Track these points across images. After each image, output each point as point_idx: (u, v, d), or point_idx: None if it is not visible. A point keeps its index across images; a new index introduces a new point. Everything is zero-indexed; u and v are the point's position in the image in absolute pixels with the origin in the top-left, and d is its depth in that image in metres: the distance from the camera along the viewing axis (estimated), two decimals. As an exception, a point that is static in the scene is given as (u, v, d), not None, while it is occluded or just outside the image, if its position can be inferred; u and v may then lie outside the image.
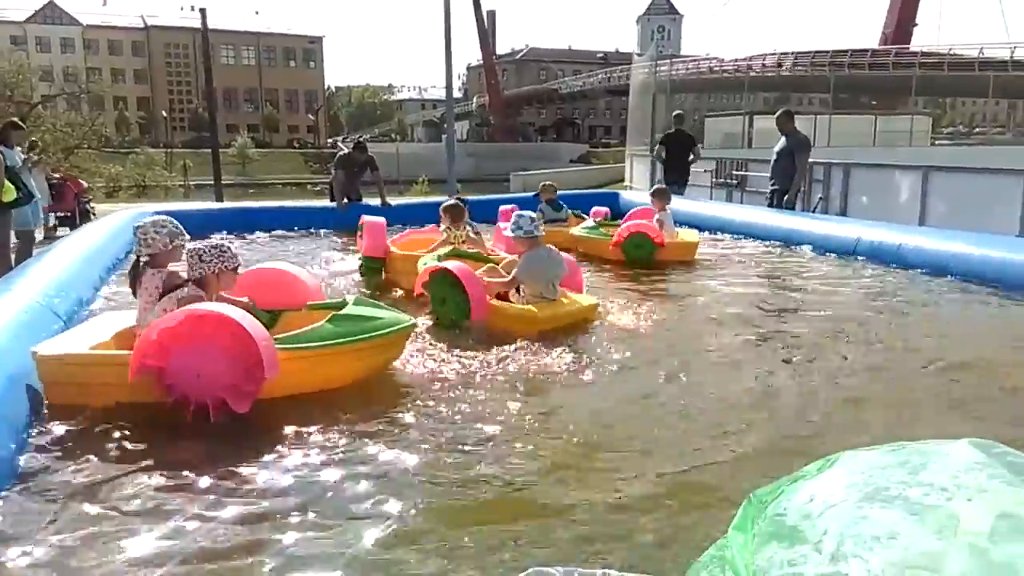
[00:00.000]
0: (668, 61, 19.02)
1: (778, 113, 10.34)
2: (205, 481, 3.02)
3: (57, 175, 14.31)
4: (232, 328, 3.59)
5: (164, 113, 69.05)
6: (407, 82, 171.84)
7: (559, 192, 10.10)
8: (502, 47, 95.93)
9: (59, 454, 3.31)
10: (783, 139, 10.02)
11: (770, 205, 10.31)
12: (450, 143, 13.78)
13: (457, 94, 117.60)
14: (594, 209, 10.44)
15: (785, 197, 9.99)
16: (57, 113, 37.25)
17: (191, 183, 39.92)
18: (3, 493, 2.93)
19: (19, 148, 8.32)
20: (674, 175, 11.77)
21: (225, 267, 4.11)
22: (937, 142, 31.76)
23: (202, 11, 14.23)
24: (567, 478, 3.11)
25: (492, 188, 34.58)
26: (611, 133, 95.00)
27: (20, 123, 8.75)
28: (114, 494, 2.95)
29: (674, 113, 12.91)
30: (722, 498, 2.89)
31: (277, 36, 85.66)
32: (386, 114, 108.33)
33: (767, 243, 9.32)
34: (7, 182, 6.38)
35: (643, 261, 7.89)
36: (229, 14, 79.78)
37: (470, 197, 12.17)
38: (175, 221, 4.29)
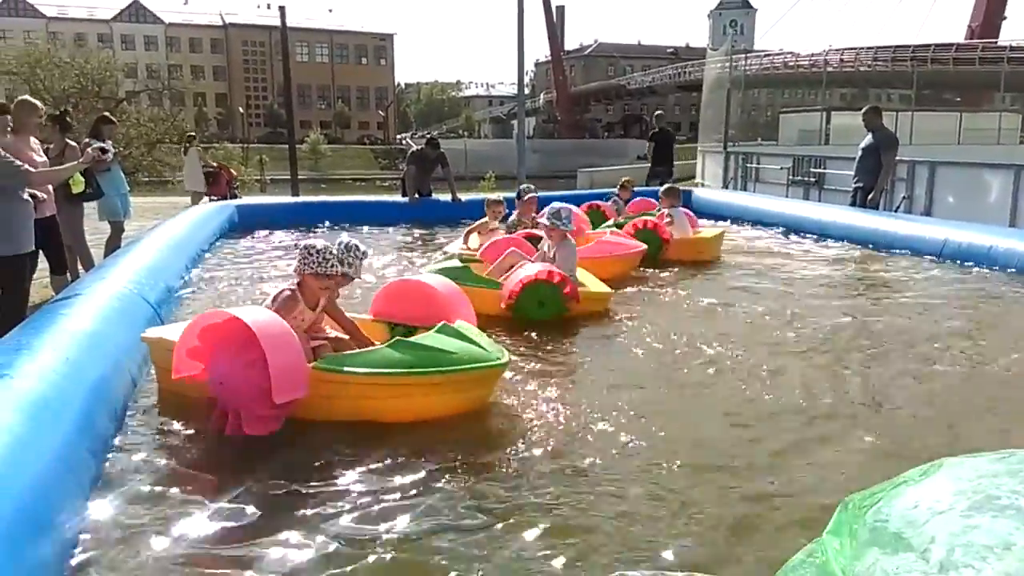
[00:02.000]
0: (743, 56, 18.60)
1: (865, 109, 9.99)
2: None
3: (214, 164, 15.91)
4: (254, 341, 3.32)
5: (241, 109, 71.11)
6: (475, 79, 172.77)
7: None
8: (571, 42, 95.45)
9: (151, 440, 3.46)
10: (869, 136, 9.68)
11: (852, 204, 9.99)
12: (521, 138, 13.79)
13: (524, 90, 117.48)
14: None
15: (869, 196, 9.66)
16: (141, 109, 38.75)
17: (267, 177, 40.90)
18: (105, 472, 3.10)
19: (111, 142, 8.64)
20: (661, 166, 13.39)
21: (311, 271, 3.83)
22: (1026, 141, 30.24)
23: (281, 9, 14.54)
24: (651, 481, 3.08)
25: (559, 185, 34.52)
26: (680, 130, 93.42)
27: (111, 118, 9.10)
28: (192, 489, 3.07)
29: (656, 113, 14.71)
30: (810, 503, 2.83)
31: (349, 34, 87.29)
32: (454, 110, 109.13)
33: (847, 244, 9.05)
34: (78, 175, 6.62)
35: (651, 257, 7.65)
36: (303, 12, 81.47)
37: (542, 193, 12.23)
38: (353, 249, 4.00)
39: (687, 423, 3.72)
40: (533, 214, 7.44)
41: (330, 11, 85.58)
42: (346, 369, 3.49)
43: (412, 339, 3.61)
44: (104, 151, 5.75)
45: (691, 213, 9.03)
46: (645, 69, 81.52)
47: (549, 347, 4.93)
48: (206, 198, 14.40)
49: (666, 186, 9.13)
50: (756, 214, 10.99)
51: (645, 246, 7.46)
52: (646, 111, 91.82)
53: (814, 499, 2.86)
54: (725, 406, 3.91)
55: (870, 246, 8.72)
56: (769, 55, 51.47)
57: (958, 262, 7.65)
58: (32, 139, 6.17)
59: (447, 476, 3.08)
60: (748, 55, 20.33)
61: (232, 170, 17.40)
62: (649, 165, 13.72)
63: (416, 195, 11.13)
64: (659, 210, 8.66)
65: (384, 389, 3.53)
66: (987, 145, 22.25)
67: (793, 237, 9.92)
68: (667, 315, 5.88)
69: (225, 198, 14.14)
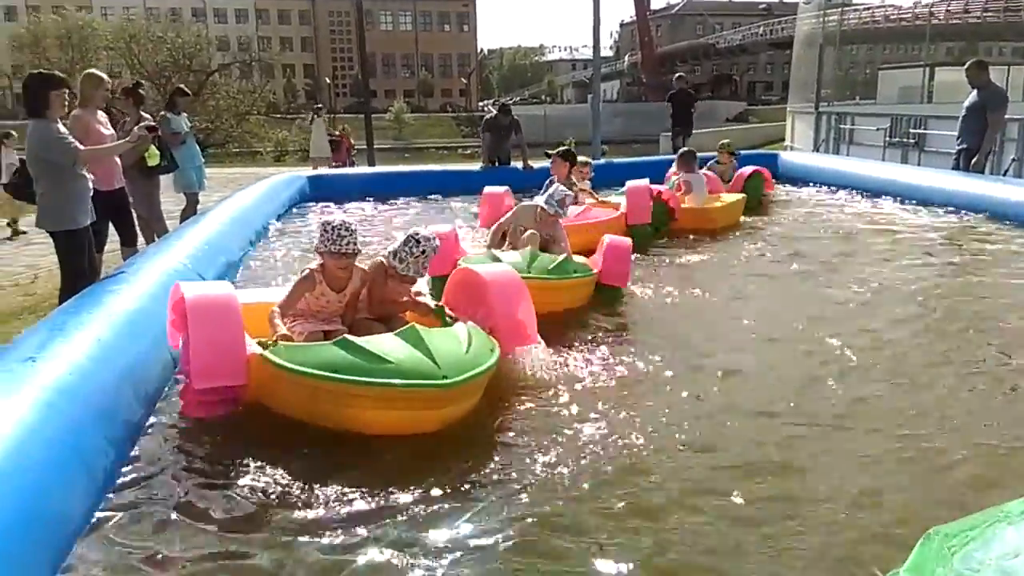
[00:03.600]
0: (838, 9, 17.39)
1: (968, 64, 9.10)
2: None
3: (336, 133, 17.63)
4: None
5: (327, 80, 72.16)
6: (558, 43, 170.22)
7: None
8: (657, 1, 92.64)
9: (180, 426, 3.35)
10: (974, 93, 8.81)
11: (955, 167, 9.15)
12: (595, 101, 13.27)
13: (608, 53, 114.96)
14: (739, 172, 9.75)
15: (973, 159, 8.82)
16: (231, 81, 39.77)
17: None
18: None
19: (185, 115, 8.71)
20: (679, 126, 14.03)
21: (323, 248, 3.64)
22: None
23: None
24: (704, 494, 2.77)
25: (641, 150, 33.62)
26: (772, 89, 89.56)
27: (186, 90, 9.18)
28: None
29: (676, 76, 15.39)
30: (889, 529, 2.44)
31: (432, 1, 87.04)
32: (537, 76, 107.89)
33: (948, 211, 8.30)
34: (153, 148, 6.64)
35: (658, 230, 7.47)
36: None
37: (616, 160, 11.85)
38: (428, 243, 3.80)
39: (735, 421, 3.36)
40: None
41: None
42: (278, 362, 3.15)
43: (360, 340, 3.23)
44: (151, 129, 5.72)
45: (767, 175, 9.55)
46: (735, 27, 78.31)
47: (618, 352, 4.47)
48: (329, 165, 15.53)
49: (681, 151, 8.81)
50: (847, 179, 10.25)
51: (620, 211, 7.28)
52: (736, 71, 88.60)
53: (891, 523, 2.49)
54: (779, 406, 3.52)
55: (972, 215, 7.96)
56: (868, 7, 48.48)
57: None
58: (100, 112, 6.22)
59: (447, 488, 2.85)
60: (844, 8, 18.95)
61: (351, 139, 18.64)
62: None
63: (492, 163, 10.89)
64: (677, 179, 8.25)
65: (306, 390, 3.15)
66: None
67: (887, 204, 9.20)
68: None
69: (345, 164, 15.80)
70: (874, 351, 4.18)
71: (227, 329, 3.25)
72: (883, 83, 24.73)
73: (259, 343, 3.36)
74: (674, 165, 8.69)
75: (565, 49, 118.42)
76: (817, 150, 14.81)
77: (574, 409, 3.44)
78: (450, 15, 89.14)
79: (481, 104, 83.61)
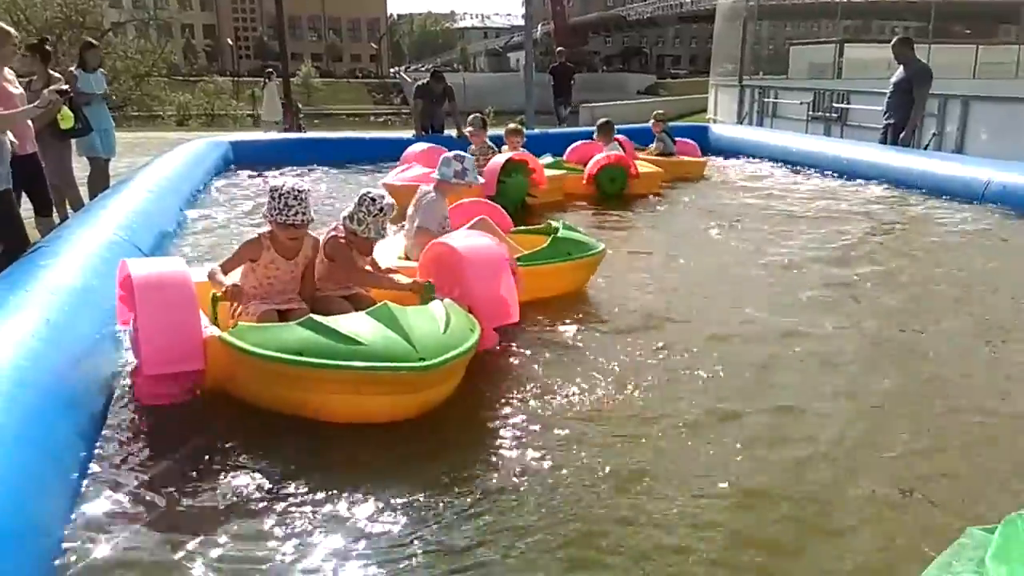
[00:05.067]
0: (758, -15, 17.75)
1: (894, 41, 9.38)
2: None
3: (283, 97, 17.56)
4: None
5: (230, 41, 69.02)
6: (469, 9, 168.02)
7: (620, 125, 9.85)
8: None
9: (146, 415, 3.04)
10: (900, 69, 9.07)
11: (882, 141, 9.45)
12: (529, 72, 13.11)
13: (521, 22, 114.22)
14: (679, 141, 10.02)
15: (901, 134, 9.11)
16: (127, 41, 37.44)
17: (259, 112, 39.84)
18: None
19: (101, 71, 8.02)
20: (560, 96, 15.19)
21: (271, 217, 3.34)
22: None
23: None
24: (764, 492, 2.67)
25: (554, 120, 33.62)
26: (680, 63, 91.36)
27: (94, 42, 8.47)
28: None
29: (557, 49, 17.04)
30: (953, 518, 2.39)
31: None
32: (448, 43, 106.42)
33: (880, 184, 8.57)
34: (66, 109, 6.09)
35: (617, 194, 8.16)
36: (292, -61, 78.21)
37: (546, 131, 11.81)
38: (383, 201, 3.61)
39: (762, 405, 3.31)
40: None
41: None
42: (238, 344, 2.87)
43: (325, 319, 2.97)
44: (62, 92, 5.19)
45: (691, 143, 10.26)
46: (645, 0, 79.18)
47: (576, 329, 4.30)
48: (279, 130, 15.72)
49: (599, 122, 9.22)
50: (781, 152, 10.46)
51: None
52: (646, 44, 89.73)
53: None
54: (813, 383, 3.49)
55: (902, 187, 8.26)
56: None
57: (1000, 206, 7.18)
58: (7, 70, 5.60)
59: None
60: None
61: (299, 103, 19.38)
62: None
63: (424, 131, 10.59)
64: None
65: (269, 375, 2.89)
66: (1005, 79, 21.49)
67: (820, 177, 9.44)
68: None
69: (292, 128, 15.98)
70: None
71: (180, 309, 2.97)
72: (794, 59, 25.39)
73: (212, 297, 3.17)
74: (594, 135, 9.05)
75: (476, 16, 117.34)
76: (741, 122, 15.07)
77: (557, 397, 3.23)
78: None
79: (392, 70, 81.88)
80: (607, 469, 2.64)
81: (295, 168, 9.59)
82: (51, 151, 6.44)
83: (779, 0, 44.87)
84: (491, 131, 8.65)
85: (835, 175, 9.39)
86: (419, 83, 11.21)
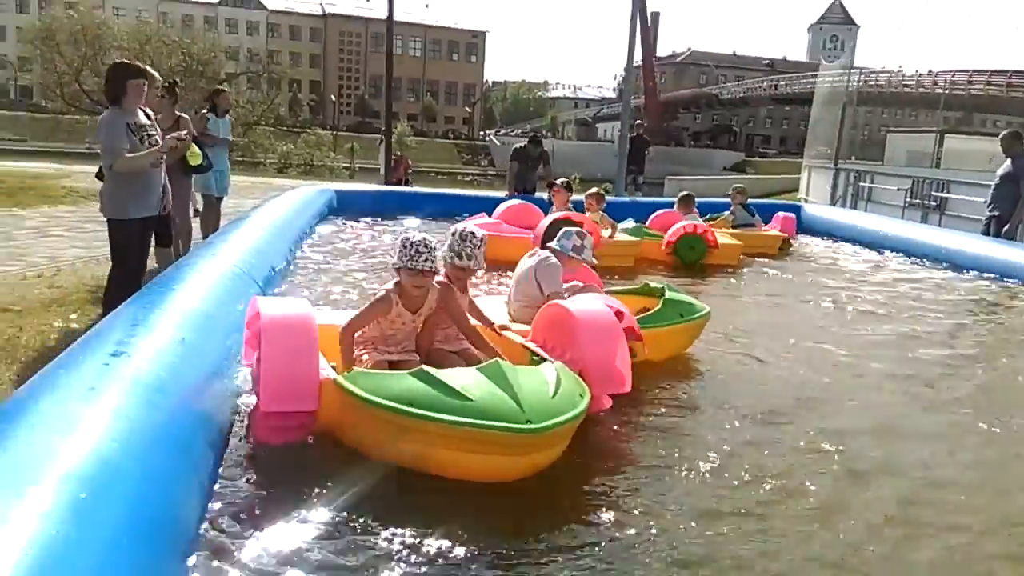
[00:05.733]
0: (858, 71, 17.71)
1: (1003, 134, 9.24)
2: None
3: (397, 154, 19.72)
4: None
5: (333, 97, 72.54)
6: (561, 80, 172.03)
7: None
8: (663, 49, 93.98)
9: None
10: (1008, 162, 8.92)
11: (985, 233, 9.21)
12: (623, 142, 13.36)
13: (611, 94, 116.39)
14: (784, 215, 10.04)
15: (1005, 227, 8.89)
16: (240, 91, 39.86)
17: (357, 165, 41.51)
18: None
19: (229, 116, 8.60)
20: (634, 165, 15.82)
21: (401, 264, 3.42)
22: None
23: (389, 1, 14.48)
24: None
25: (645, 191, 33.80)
26: (770, 143, 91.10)
27: (224, 88, 9.11)
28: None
29: (635, 121, 17.04)
30: None
31: (443, 29, 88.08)
32: (539, 111, 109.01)
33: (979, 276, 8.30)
34: (195, 147, 6.56)
35: (695, 263, 8.34)
36: (400, 5, 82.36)
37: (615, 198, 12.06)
38: (473, 237, 3.69)
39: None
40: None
41: (426, 6, 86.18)
42: (351, 389, 2.92)
43: (438, 372, 2.96)
44: (180, 139, 5.61)
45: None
46: (738, 80, 79.62)
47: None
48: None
49: (680, 194, 9.63)
50: (875, 237, 10.30)
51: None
52: (736, 122, 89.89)
53: None
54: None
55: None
56: (873, 72, 49.46)
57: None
58: (147, 109, 6.10)
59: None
60: (863, 71, 19.36)
61: (408, 159, 20.93)
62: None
63: (517, 191, 10.89)
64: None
65: (377, 422, 2.90)
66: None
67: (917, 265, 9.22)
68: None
69: (401, 181, 17.42)
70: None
71: (302, 351, 3.05)
72: (891, 146, 25.15)
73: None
74: (675, 206, 9.40)
75: (568, 87, 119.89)
76: (834, 204, 14.92)
77: (657, 481, 3.12)
78: (459, 45, 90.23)
79: (483, 133, 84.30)
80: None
81: (393, 219, 10.01)
82: (176, 186, 6.93)
83: (878, 88, 44.65)
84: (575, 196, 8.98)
85: (940, 264, 9.08)
86: (516, 146, 11.55)
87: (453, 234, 3.72)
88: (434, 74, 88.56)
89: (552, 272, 4.47)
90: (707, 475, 3.15)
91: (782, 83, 65.59)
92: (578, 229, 4.88)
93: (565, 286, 4.55)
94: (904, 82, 45.43)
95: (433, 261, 3.40)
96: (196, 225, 7.98)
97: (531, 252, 4.74)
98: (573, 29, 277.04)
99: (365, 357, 3.48)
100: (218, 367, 3.42)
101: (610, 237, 8.34)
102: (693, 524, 2.74)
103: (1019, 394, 4.63)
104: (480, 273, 4.08)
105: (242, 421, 3.31)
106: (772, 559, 2.55)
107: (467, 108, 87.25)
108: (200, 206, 8.38)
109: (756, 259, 8.95)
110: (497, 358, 3.15)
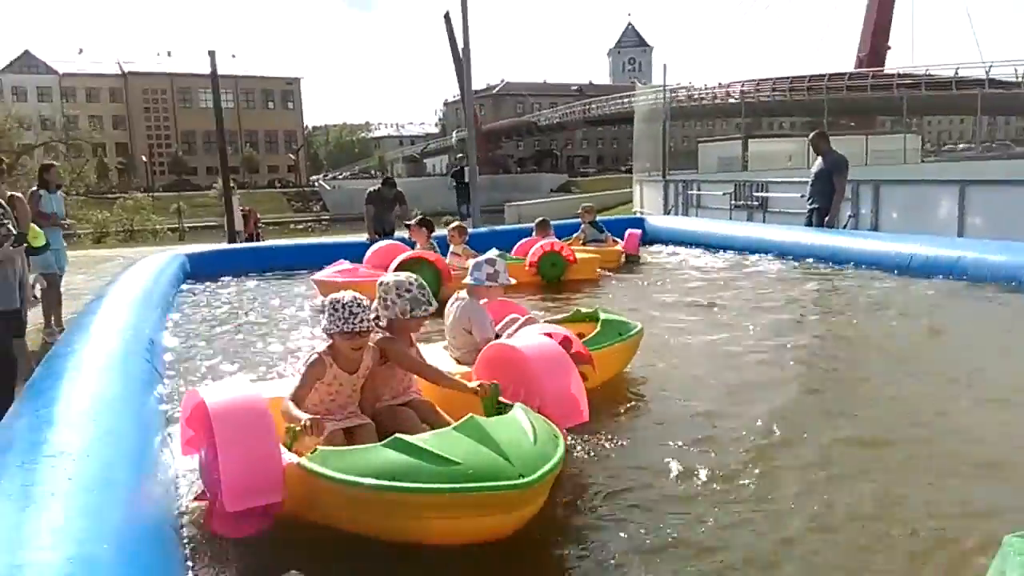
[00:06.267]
0: (674, 90, 19.28)
1: (812, 134, 10.42)
2: None
3: (245, 208, 18.99)
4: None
5: (144, 158, 68.65)
6: (384, 119, 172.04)
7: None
8: (478, 82, 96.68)
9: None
10: (819, 159, 10.05)
11: (808, 224, 10.28)
12: (473, 176, 13.71)
13: (434, 129, 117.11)
14: (630, 231, 10.61)
15: (826, 217, 9.97)
16: (39, 161, 36.90)
17: (186, 225, 39.44)
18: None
19: (62, 192, 8.07)
20: (462, 198, 16.83)
21: (336, 329, 3.24)
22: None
23: (211, 53, 14.11)
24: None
25: (485, 220, 34.53)
26: (588, 162, 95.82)
27: (50, 163, 8.56)
28: None
29: (458, 156, 19.40)
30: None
31: (255, 79, 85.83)
32: (364, 151, 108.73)
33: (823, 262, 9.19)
34: (36, 228, 6.22)
35: (557, 279, 8.81)
36: (204, 57, 79.15)
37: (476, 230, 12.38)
38: (422, 284, 3.55)
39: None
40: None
41: (233, 56, 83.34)
42: (325, 472, 2.70)
43: (412, 438, 2.78)
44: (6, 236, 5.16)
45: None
46: (552, 106, 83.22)
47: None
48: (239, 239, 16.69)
49: (537, 220, 10.17)
50: (717, 239, 11.17)
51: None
52: (556, 146, 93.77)
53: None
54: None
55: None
56: (674, 89, 53.31)
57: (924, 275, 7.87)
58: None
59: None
60: (675, 89, 21.00)
61: (257, 214, 20.79)
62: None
63: (377, 234, 10.88)
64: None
65: (357, 501, 2.70)
66: (893, 165, 23.51)
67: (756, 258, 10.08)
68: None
69: (251, 236, 17.45)
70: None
71: (260, 441, 2.83)
72: (703, 154, 27.37)
73: (288, 430, 3.00)
74: (533, 232, 9.94)
75: (391, 126, 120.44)
76: (667, 214, 16.00)
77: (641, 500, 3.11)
78: (274, 92, 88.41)
79: (312, 179, 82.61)
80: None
81: (254, 275, 9.73)
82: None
83: (679, 103, 48.26)
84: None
85: (779, 257, 9.79)
86: (370, 190, 11.56)
87: (399, 288, 3.47)
88: (251, 124, 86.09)
89: (479, 316, 4.36)
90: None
91: (593, 106, 69.27)
92: (487, 256, 4.88)
93: (504, 321, 4.52)
94: (701, 95, 49.24)
95: (368, 319, 3.26)
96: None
97: (453, 298, 4.59)
98: (390, 68, 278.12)
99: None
100: (146, 458, 3.24)
101: None
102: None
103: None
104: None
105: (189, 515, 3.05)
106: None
107: (291, 155, 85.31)
108: (38, 291, 7.80)
109: (610, 272, 9.53)
110: (471, 414, 2.97)
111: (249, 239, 16.85)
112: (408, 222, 9.76)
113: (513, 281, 4.80)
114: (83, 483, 2.49)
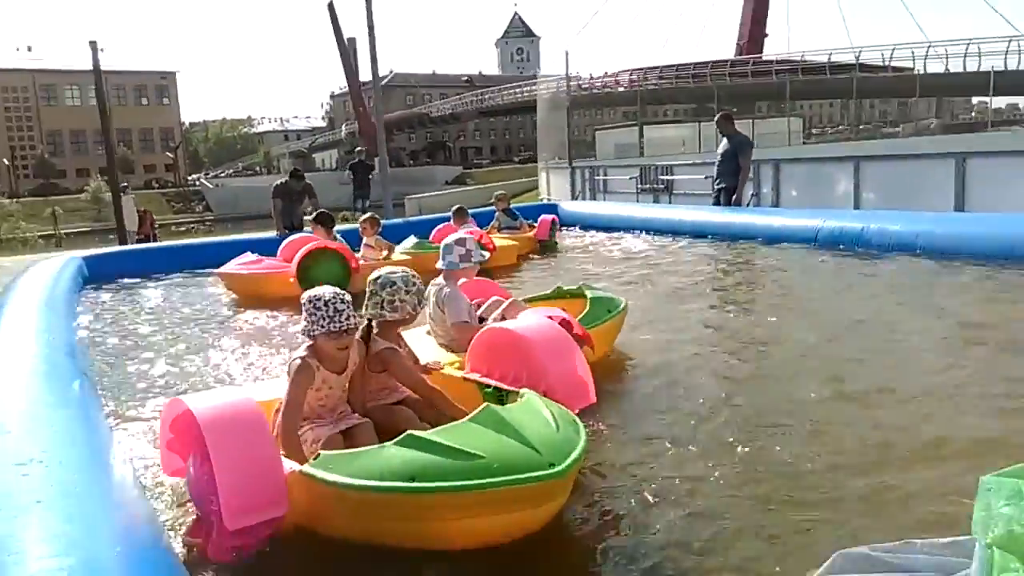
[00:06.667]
0: (576, 79, 19.56)
1: (717, 117, 10.76)
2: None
3: (142, 208, 18.85)
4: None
5: (5, 161, 63.91)
6: (267, 113, 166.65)
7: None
8: (365, 73, 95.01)
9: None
10: (725, 141, 10.40)
11: (716, 203, 10.64)
12: (384, 167, 13.42)
13: (321, 123, 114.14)
14: (542, 217, 10.63)
15: (734, 196, 10.34)
16: None
17: (63, 231, 36.96)
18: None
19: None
20: (360, 190, 16.44)
21: (320, 330, 3.00)
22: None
23: (92, 44, 13.20)
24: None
25: (381, 213, 34.00)
26: (481, 153, 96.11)
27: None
28: None
29: (357, 149, 18.55)
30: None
31: (127, 74, 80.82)
32: (247, 147, 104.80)
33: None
34: None
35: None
36: (72, 53, 74.03)
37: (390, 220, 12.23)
38: (416, 276, 3.41)
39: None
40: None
41: (102, 50, 78.52)
42: (334, 479, 2.46)
43: (427, 434, 2.58)
44: None
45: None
46: (443, 97, 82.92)
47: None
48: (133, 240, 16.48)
49: (454, 208, 10.00)
50: (633, 222, 11.35)
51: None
52: (448, 138, 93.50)
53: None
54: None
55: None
56: (571, 78, 53.96)
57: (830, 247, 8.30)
58: None
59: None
60: (573, 79, 21.28)
61: (153, 214, 20.26)
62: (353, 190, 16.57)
63: (287, 229, 10.49)
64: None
65: (370, 507, 2.48)
66: (779, 146, 24.74)
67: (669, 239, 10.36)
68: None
69: (148, 238, 17.07)
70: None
71: (258, 448, 2.57)
72: (600, 142, 27.97)
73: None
74: (451, 220, 9.79)
75: (275, 120, 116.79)
76: (575, 199, 16.22)
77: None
78: (148, 88, 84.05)
79: (192, 178, 79.04)
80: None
81: (159, 276, 9.22)
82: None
83: (578, 91, 49.04)
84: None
85: (702, 237, 9.94)
86: (277, 183, 11.10)
87: (407, 285, 3.32)
88: (123, 122, 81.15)
89: (453, 302, 4.20)
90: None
91: (487, 97, 69.35)
92: (456, 236, 4.64)
93: (487, 303, 4.39)
94: (591, 84, 50.17)
95: (353, 315, 3.03)
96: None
97: (432, 283, 4.32)
98: (271, 60, 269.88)
99: (309, 437, 3.03)
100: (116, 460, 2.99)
101: (386, 259, 8.47)
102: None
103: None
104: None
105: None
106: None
107: (168, 154, 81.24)
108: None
109: (530, 257, 9.71)
110: (487, 404, 2.79)
111: (145, 240, 16.21)
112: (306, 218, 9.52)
113: (486, 255, 4.70)
114: (65, 489, 2.29)
